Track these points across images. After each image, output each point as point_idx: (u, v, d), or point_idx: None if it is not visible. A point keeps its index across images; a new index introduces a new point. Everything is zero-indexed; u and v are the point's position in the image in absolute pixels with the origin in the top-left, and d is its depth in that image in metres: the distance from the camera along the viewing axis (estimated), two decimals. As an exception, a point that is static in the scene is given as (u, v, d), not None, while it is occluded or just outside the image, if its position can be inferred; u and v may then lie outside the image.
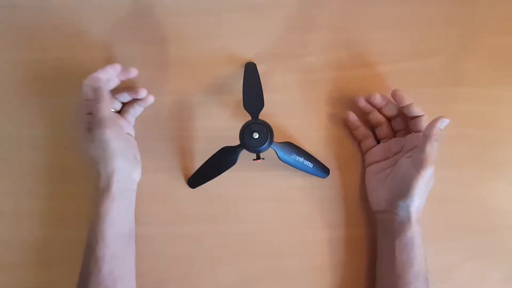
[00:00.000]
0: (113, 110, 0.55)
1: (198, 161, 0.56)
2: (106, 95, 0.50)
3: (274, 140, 0.52)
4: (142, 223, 0.55)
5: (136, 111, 0.57)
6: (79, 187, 0.56)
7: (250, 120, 0.51)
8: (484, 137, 0.58)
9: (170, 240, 0.56)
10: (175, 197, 0.57)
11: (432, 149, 0.47)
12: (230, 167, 0.53)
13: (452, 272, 0.56)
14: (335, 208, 0.57)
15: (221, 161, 0.53)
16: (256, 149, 0.51)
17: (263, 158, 0.52)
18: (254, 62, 0.58)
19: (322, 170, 0.56)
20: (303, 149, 0.55)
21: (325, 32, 0.60)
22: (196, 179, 0.56)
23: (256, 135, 0.50)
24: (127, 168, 0.52)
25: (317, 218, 0.57)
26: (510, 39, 0.60)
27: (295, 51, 0.60)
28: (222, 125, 0.58)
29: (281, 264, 0.56)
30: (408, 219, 0.49)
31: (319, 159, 0.56)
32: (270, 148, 0.52)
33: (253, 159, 0.52)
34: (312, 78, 0.59)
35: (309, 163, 0.54)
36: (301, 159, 0.54)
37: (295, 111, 0.59)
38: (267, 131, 0.50)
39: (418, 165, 0.48)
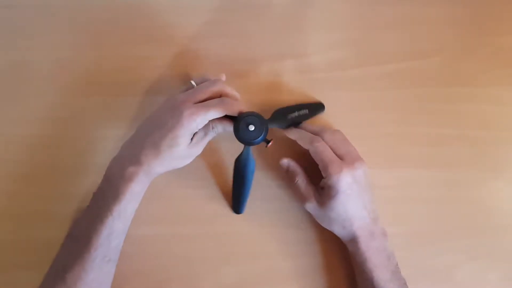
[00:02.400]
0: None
1: (197, 161, 0.55)
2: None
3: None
4: (143, 223, 0.55)
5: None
6: (80, 187, 0.56)
7: (238, 117, 0.50)
8: (484, 137, 0.58)
9: (170, 240, 0.56)
10: (175, 197, 0.57)
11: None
12: (253, 170, 0.54)
13: (452, 272, 0.56)
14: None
15: (243, 172, 0.53)
16: (257, 140, 0.50)
17: (271, 140, 0.51)
18: (255, 62, 0.58)
19: (318, 109, 0.57)
20: (289, 106, 0.55)
21: (325, 32, 0.60)
22: (237, 204, 0.56)
23: (252, 127, 0.50)
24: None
25: (317, 218, 0.57)
26: (510, 39, 0.60)
27: (295, 51, 0.60)
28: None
29: (281, 264, 0.56)
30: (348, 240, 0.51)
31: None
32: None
33: (266, 146, 0.51)
34: (312, 78, 0.59)
35: (304, 111, 0.55)
36: (296, 114, 0.54)
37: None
38: (259, 118, 0.50)
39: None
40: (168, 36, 0.60)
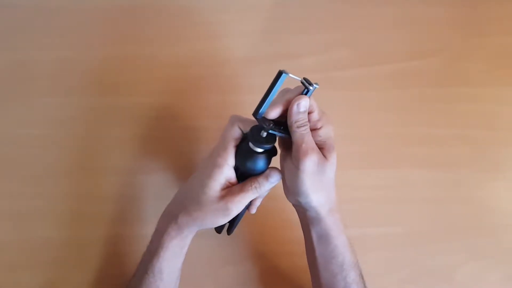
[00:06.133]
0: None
1: (196, 161, 0.55)
2: None
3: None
4: (143, 223, 0.55)
5: None
6: (79, 187, 0.56)
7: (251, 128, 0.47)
8: (484, 137, 0.58)
9: (170, 240, 0.56)
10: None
11: (300, 137, 0.43)
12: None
13: (452, 272, 0.56)
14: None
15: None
16: (259, 144, 0.46)
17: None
18: (255, 62, 0.58)
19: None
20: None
21: (325, 32, 0.60)
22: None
23: (264, 134, 0.48)
24: None
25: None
26: (510, 39, 0.60)
27: (294, 51, 0.60)
28: (219, 126, 0.58)
29: (281, 264, 0.56)
30: (316, 213, 0.45)
31: None
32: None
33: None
34: (312, 78, 0.59)
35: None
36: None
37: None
38: (273, 140, 0.46)
39: (295, 160, 0.43)
40: (168, 37, 0.60)
